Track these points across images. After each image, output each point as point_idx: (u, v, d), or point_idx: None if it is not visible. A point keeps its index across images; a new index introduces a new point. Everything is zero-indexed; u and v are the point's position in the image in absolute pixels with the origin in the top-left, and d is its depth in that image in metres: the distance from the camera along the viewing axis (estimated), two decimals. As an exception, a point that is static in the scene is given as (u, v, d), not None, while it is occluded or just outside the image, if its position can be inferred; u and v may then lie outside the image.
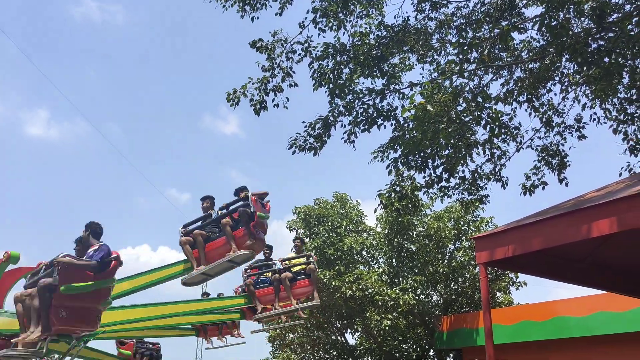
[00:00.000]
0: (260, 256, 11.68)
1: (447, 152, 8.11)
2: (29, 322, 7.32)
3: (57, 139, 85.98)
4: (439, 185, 9.03)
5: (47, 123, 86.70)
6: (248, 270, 12.16)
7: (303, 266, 11.82)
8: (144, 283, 9.43)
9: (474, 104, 7.30)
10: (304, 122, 9.58)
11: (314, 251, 19.77)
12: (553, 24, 7.02)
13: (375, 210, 9.34)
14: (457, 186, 10.15)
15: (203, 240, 9.03)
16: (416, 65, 11.13)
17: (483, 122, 7.43)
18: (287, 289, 11.50)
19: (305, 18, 9.61)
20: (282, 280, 11.49)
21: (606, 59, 7.41)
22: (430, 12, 10.60)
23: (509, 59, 10.48)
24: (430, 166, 8.30)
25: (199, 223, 9.39)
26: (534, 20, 8.66)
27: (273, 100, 9.55)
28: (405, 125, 8.47)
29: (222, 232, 9.04)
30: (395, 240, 20.86)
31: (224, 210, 9.26)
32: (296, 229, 21.69)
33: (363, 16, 9.99)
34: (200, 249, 9.00)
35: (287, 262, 12.13)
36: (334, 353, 23.52)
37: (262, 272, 12.06)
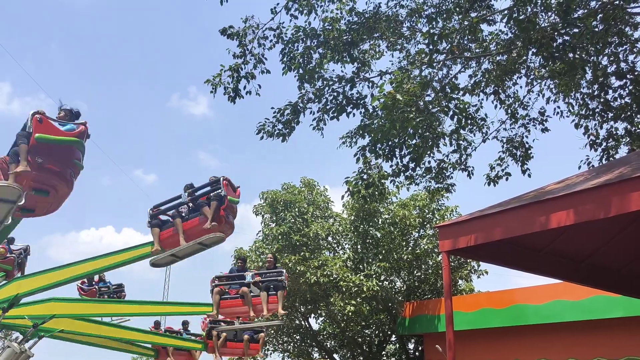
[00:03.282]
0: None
1: (414, 141, 8.19)
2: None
3: (19, 114, 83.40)
4: (406, 174, 9.12)
5: (9, 97, 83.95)
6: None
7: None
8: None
9: (442, 95, 7.37)
10: (272, 107, 9.53)
11: (279, 237, 19.77)
12: (521, 18, 7.12)
13: (343, 197, 9.39)
14: (424, 174, 10.28)
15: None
16: (386, 52, 11.16)
17: (451, 112, 7.51)
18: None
19: (277, 4, 9.52)
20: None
21: (570, 54, 7.56)
22: (401, -1, 10.63)
23: (477, 51, 10.60)
24: (397, 155, 8.36)
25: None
26: (503, 13, 8.75)
27: (245, 87, 9.47)
28: (374, 113, 8.50)
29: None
30: (361, 226, 21.00)
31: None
32: (262, 213, 21.62)
33: (335, 1, 9.95)
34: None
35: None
36: (297, 337, 23.67)
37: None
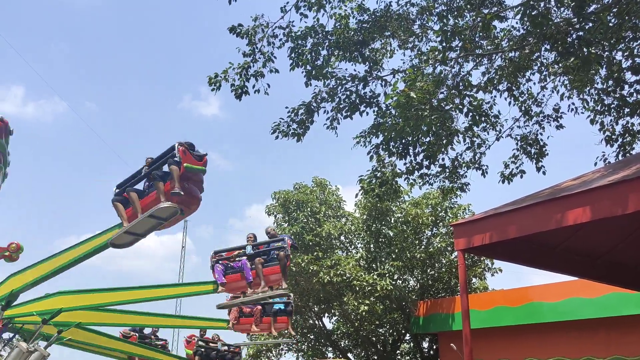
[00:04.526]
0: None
1: (428, 139, 8.16)
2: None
3: (33, 117, 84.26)
4: (420, 172, 9.09)
5: (23, 101, 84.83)
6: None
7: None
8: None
9: (456, 92, 7.34)
10: (287, 107, 9.55)
11: (292, 236, 19.78)
12: (534, 13, 7.06)
13: (357, 195, 9.38)
14: (437, 174, 10.24)
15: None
16: (397, 50, 11.14)
17: (465, 109, 7.48)
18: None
19: (287, 2, 9.53)
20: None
21: (585, 50, 7.49)
22: (412, -3, 10.60)
23: (489, 48, 10.54)
24: (411, 153, 8.34)
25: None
26: (516, 9, 8.69)
27: (254, 86, 9.49)
28: (388, 112, 8.49)
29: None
30: (374, 225, 20.98)
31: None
32: (275, 213, 21.67)
33: None
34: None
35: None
36: (311, 337, 23.69)
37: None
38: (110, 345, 12.53)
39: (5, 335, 9.78)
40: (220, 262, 11.19)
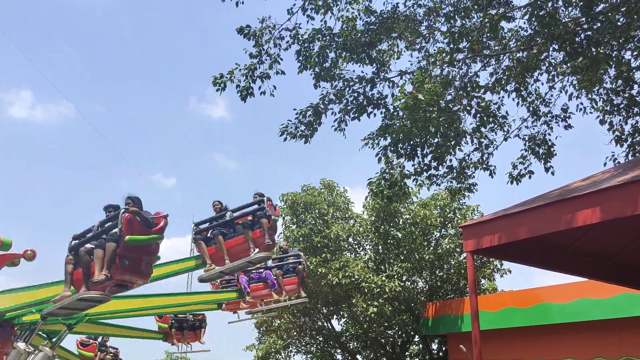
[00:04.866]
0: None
1: (436, 140, 8.15)
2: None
3: (42, 121, 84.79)
4: (428, 173, 9.08)
5: (31, 104, 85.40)
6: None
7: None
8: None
9: (464, 93, 7.33)
10: (294, 109, 9.57)
11: (300, 239, 19.80)
12: (542, 13, 7.04)
13: (366, 198, 9.40)
14: (445, 174, 10.23)
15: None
16: (404, 52, 11.13)
17: (473, 111, 7.46)
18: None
19: (294, 4, 9.55)
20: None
21: (594, 50, 7.46)
22: (419, -2, 10.60)
23: (496, 48, 10.52)
24: (419, 154, 8.34)
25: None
26: (523, 9, 8.67)
27: (260, 87, 9.51)
28: (395, 113, 8.49)
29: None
30: (382, 227, 20.94)
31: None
32: (283, 215, 21.69)
33: (351, 1, 9.96)
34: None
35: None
36: (320, 339, 23.67)
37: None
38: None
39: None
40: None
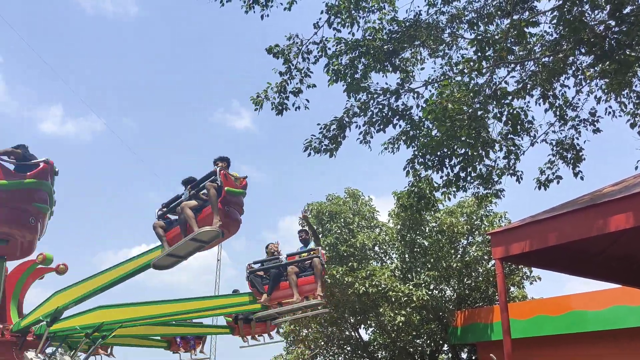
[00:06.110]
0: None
1: (464, 150, 8.09)
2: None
3: (72, 136, 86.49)
4: (456, 184, 9.01)
5: (61, 120, 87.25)
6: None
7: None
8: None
9: (493, 101, 7.27)
10: (318, 124, 9.63)
11: (326, 248, 19.78)
12: (570, 18, 6.96)
13: (394, 210, 9.36)
14: (471, 180, 10.14)
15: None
16: (427, 59, 11.11)
17: (504, 118, 7.40)
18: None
19: (320, 18, 9.65)
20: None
21: (622, 53, 7.34)
22: (442, 5, 10.58)
23: (520, 53, 10.43)
24: (447, 165, 8.29)
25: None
26: (550, 14, 8.58)
27: (294, 103, 9.65)
28: (421, 124, 8.47)
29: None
30: (408, 235, 20.84)
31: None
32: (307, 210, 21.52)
33: (375, 11, 10.00)
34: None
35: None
36: (348, 348, 23.57)
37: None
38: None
39: (49, 350, 10.03)
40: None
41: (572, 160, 10.59)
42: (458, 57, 10.77)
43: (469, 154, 8.10)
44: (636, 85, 10.10)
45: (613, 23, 7.52)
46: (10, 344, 9.73)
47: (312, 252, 10.81)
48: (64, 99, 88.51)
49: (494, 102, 7.45)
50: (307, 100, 9.69)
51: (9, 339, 9.75)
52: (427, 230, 20.88)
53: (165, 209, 9.27)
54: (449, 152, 8.03)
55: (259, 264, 11.41)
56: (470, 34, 10.49)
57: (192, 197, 8.79)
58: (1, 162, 7.59)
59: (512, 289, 21.10)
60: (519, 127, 9.03)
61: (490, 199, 10.87)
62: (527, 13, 9.80)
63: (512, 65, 9.82)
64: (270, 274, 10.86)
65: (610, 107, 10.77)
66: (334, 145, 9.60)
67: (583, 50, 7.86)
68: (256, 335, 14.84)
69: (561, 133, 10.75)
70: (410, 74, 10.34)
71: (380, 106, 9.18)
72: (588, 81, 10.42)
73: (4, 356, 9.51)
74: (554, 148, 10.79)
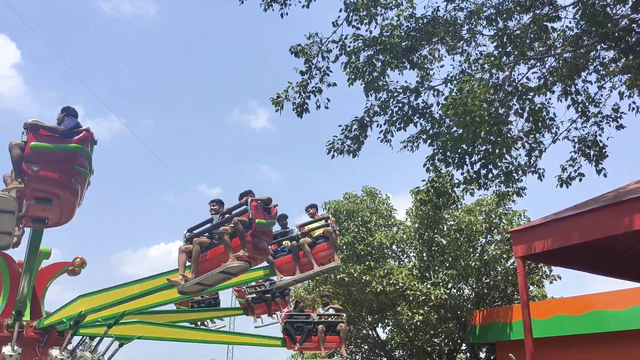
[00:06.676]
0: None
1: (485, 147, 8.01)
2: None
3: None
4: (477, 181, 8.93)
5: (81, 120, 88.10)
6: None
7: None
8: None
9: (515, 97, 7.18)
10: (340, 125, 9.63)
11: (343, 247, 19.74)
12: (594, 12, 6.83)
13: (412, 209, 9.30)
14: (493, 178, 10.04)
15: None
16: (445, 56, 11.02)
17: (525, 114, 7.30)
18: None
19: (338, 17, 9.64)
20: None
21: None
22: (460, 1, 10.48)
23: (540, 49, 10.28)
24: (467, 162, 8.21)
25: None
26: (573, 8, 8.45)
27: (317, 102, 9.66)
28: (441, 121, 8.41)
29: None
30: (426, 234, 20.72)
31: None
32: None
33: (393, 7, 9.95)
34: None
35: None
36: (366, 347, 23.52)
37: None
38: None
39: (70, 347, 10.12)
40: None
41: (594, 157, 10.41)
42: (476, 53, 10.67)
43: (490, 151, 8.01)
44: (660, 81, 9.90)
45: (637, 17, 7.37)
46: (34, 341, 9.83)
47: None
48: (83, 100, 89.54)
49: (515, 99, 7.34)
50: (328, 100, 9.70)
51: (33, 336, 9.85)
52: (445, 229, 20.74)
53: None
54: (469, 149, 7.94)
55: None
56: (489, 31, 10.38)
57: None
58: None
59: (531, 288, 20.87)
60: (540, 123, 8.91)
61: (511, 196, 10.74)
62: (547, 8, 9.68)
63: (532, 62, 9.69)
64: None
65: (634, 102, 10.58)
66: (356, 145, 9.60)
67: (605, 45, 7.71)
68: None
69: (583, 130, 10.60)
70: (429, 71, 10.28)
71: (400, 104, 9.15)
72: (610, 77, 10.24)
73: (27, 351, 9.62)
74: (576, 145, 10.63)
